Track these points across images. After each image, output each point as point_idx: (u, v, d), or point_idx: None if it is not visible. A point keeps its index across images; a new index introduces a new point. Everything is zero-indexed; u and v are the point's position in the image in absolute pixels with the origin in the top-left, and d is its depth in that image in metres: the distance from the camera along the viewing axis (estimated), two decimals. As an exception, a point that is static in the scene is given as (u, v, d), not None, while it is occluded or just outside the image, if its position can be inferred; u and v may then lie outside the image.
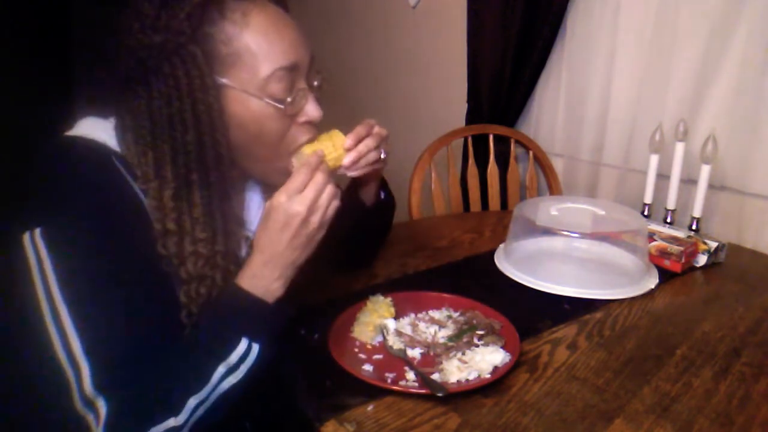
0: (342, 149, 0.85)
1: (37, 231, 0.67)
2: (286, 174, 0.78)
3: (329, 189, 0.76)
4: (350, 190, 1.03)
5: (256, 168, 0.82)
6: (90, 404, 0.64)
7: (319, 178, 0.75)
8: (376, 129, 0.90)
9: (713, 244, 1.24)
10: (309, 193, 0.74)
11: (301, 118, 0.79)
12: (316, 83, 0.82)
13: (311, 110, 0.80)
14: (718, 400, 0.78)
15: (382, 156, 0.91)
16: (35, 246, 0.67)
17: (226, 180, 0.77)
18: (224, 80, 0.74)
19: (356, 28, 2.55)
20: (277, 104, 0.75)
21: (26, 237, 0.67)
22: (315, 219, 0.75)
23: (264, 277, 0.74)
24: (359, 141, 0.87)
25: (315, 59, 0.81)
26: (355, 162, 0.87)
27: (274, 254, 0.74)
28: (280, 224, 0.73)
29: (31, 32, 3.17)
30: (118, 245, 0.69)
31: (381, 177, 1.03)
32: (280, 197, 0.74)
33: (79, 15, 3.33)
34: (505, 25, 1.76)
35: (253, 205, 0.89)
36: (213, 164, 0.74)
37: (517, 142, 1.83)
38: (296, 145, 0.81)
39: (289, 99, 0.76)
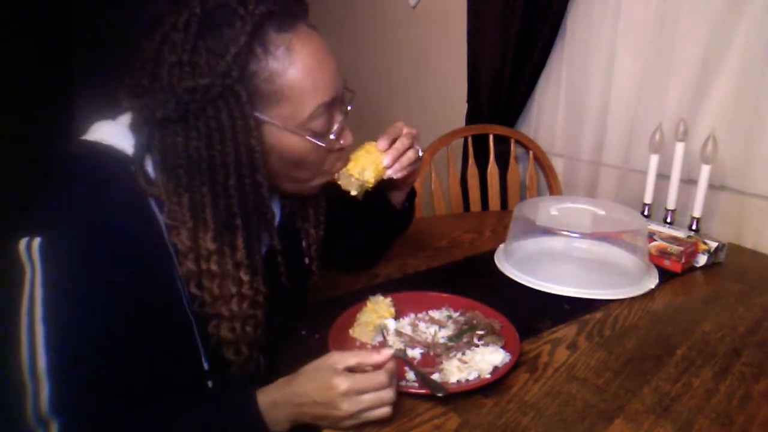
0: (380, 156, 0.88)
1: (37, 240, 0.64)
2: (320, 187, 0.82)
3: (385, 393, 0.69)
4: (379, 191, 1.02)
5: (289, 187, 0.81)
6: (43, 424, 0.63)
7: (382, 378, 0.69)
8: (405, 129, 0.92)
9: (713, 244, 1.24)
10: (361, 382, 0.68)
11: (336, 146, 0.79)
12: (349, 108, 0.81)
13: (346, 138, 0.81)
14: (718, 400, 0.78)
15: (420, 154, 0.94)
16: (31, 255, 0.64)
17: (266, 219, 0.76)
18: (266, 117, 0.71)
19: (356, 28, 2.54)
20: (318, 142, 0.75)
21: (23, 243, 0.64)
22: (349, 408, 0.68)
23: (281, 410, 0.70)
24: (392, 142, 0.90)
25: (345, 80, 0.80)
26: (395, 160, 0.89)
27: (301, 403, 0.69)
28: (320, 385, 0.68)
29: (32, 33, 3.17)
30: (117, 276, 0.66)
31: (413, 185, 1.05)
32: (338, 364, 0.69)
33: (80, 15, 3.33)
34: (505, 25, 1.76)
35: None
36: (254, 207, 0.73)
37: (517, 142, 1.83)
38: (333, 169, 0.82)
39: (332, 136, 0.77)
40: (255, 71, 0.69)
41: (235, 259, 0.72)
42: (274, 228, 0.81)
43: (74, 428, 0.64)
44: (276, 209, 0.86)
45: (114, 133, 0.72)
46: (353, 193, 0.87)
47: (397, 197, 1.04)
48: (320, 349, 0.84)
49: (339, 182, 0.85)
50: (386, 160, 0.88)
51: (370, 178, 0.86)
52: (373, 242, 1.12)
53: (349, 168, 0.85)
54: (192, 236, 0.70)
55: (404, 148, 0.90)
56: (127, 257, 0.67)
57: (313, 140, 0.74)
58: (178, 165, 0.69)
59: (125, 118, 0.74)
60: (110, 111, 0.77)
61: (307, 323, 0.92)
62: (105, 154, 0.70)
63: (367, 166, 0.87)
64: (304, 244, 0.92)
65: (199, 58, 0.66)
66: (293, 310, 0.92)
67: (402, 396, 0.76)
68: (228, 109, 0.67)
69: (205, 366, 0.76)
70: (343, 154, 0.82)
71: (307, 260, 0.93)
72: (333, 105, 0.76)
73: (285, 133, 0.73)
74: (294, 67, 0.70)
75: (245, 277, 0.73)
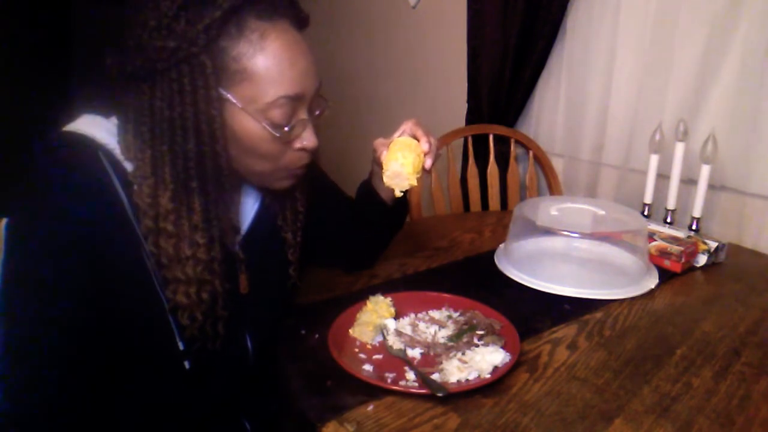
0: (421, 154, 0.90)
1: (4, 221, 0.70)
2: (286, 184, 0.82)
3: None
4: (368, 187, 1.04)
5: (253, 179, 0.83)
6: None
7: None
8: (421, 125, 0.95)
9: (713, 244, 1.24)
10: None
11: (297, 145, 0.80)
12: (317, 112, 0.82)
13: (308, 139, 0.80)
14: (718, 400, 0.78)
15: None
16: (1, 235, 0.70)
17: (224, 190, 0.77)
18: (228, 95, 0.73)
19: (356, 28, 2.54)
20: (273, 131, 0.75)
21: (2, 224, 0.71)
22: None
23: None
24: (428, 141, 0.93)
25: (322, 85, 0.81)
26: (434, 162, 0.93)
27: None
28: None
29: (32, 33, 3.17)
30: (75, 260, 0.70)
31: None
32: None
33: (80, 15, 3.33)
34: (505, 25, 1.76)
35: (248, 206, 0.89)
36: (212, 174, 0.75)
37: (517, 142, 1.83)
38: (293, 167, 0.81)
39: (286, 128, 0.76)
40: (224, 47, 0.71)
41: (192, 221, 0.74)
42: (236, 207, 0.85)
43: (20, 409, 0.69)
44: (253, 201, 0.89)
45: (92, 124, 0.75)
46: (399, 193, 0.91)
47: (388, 191, 1.03)
48: (320, 348, 0.84)
49: (388, 183, 0.89)
50: (428, 162, 0.91)
51: (414, 180, 0.89)
52: (370, 241, 1.12)
53: (392, 165, 0.87)
54: (152, 193, 0.73)
55: (436, 146, 0.95)
56: (85, 241, 0.70)
57: (268, 128, 0.75)
58: (143, 122, 0.73)
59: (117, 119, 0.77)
60: (110, 111, 0.78)
61: (306, 323, 0.92)
62: (78, 142, 0.72)
63: (417, 167, 0.89)
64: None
65: (176, 25, 0.69)
66: (278, 303, 0.93)
67: (402, 396, 0.76)
68: (191, 76, 0.71)
69: (180, 346, 0.77)
70: (302, 156, 0.81)
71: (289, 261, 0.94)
72: (298, 102, 0.77)
73: (243, 114, 0.74)
74: (263, 53, 0.73)
75: (201, 240, 0.75)
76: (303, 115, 0.78)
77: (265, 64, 0.73)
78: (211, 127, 0.72)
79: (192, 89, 0.71)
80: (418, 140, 0.93)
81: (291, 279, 0.93)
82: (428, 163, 0.91)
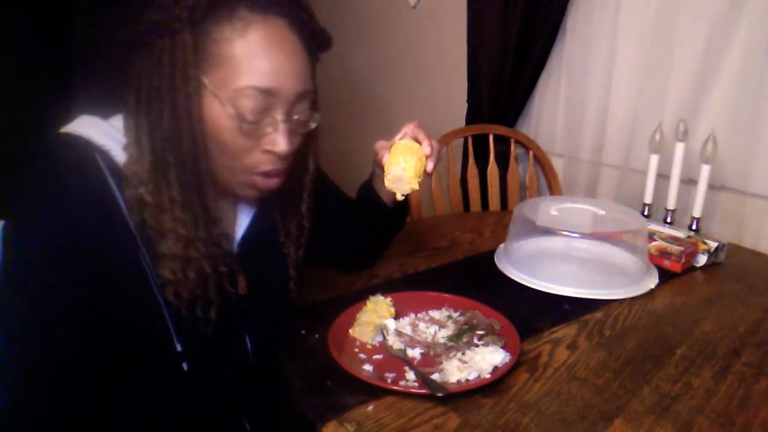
0: (422, 157, 0.90)
1: (2, 222, 0.71)
2: (249, 193, 0.80)
3: None
4: (369, 188, 1.04)
5: (223, 177, 0.80)
6: None
7: None
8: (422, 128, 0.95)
9: (713, 244, 1.24)
10: None
11: (265, 146, 0.77)
12: (297, 117, 0.78)
13: (276, 142, 0.76)
14: (718, 400, 0.78)
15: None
16: None
17: (201, 171, 0.76)
18: (203, 78, 0.73)
19: (356, 29, 2.54)
20: (235, 119, 0.74)
21: None
22: None
23: None
24: (430, 144, 0.93)
25: (311, 95, 0.79)
26: (435, 165, 0.93)
27: None
28: None
29: (32, 33, 3.17)
30: (70, 263, 0.70)
31: None
32: None
33: (80, 15, 3.33)
34: (505, 25, 1.76)
35: (245, 208, 0.89)
36: (188, 150, 0.74)
37: (517, 142, 1.83)
38: (258, 168, 0.78)
39: (250, 118, 0.74)
40: (208, 30, 0.72)
41: (170, 193, 0.74)
42: (230, 205, 0.86)
43: (20, 408, 0.69)
44: (246, 219, 0.88)
45: (88, 125, 0.76)
46: (400, 197, 0.91)
47: (388, 193, 1.03)
48: (320, 348, 0.84)
49: (390, 187, 0.89)
50: (430, 165, 0.91)
51: (416, 184, 0.89)
52: (370, 241, 1.12)
53: (394, 169, 0.87)
54: (135, 160, 0.74)
55: (438, 148, 0.95)
56: (82, 242, 0.70)
57: (231, 114, 0.73)
58: (128, 92, 0.74)
59: (117, 120, 0.77)
60: (110, 111, 0.79)
61: (306, 323, 0.92)
62: (73, 143, 0.73)
63: (419, 171, 0.89)
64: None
65: (173, 2, 0.71)
66: (277, 305, 0.93)
67: (402, 396, 0.76)
68: (171, 51, 0.71)
69: (178, 348, 0.78)
70: (269, 159, 0.78)
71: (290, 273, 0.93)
72: (271, 99, 0.74)
73: (213, 99, 0.73)
74: (243, 40, 0.73)
75: (180, 215, 0.74)
76: (278, 116, 0.76)
77: (241, 51, 0.72)
78: (187, 104, 0.72)
79: (170, 64, 0.71)
80: (420, 143, 0.93)
81: (291, 281, 0.93)
82: (430, 166, 0.91)
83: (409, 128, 0.95)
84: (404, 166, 0.87)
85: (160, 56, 0.72)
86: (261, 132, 0.76)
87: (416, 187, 0.89)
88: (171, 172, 0.74)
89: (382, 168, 0.93)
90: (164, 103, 0.72)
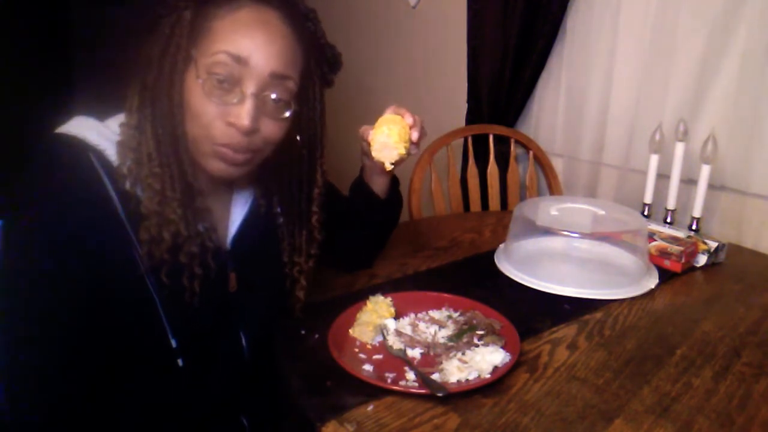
0: (406, 126, 0.92)
1: (0, 223, 0.71)
2: (214, 165, 0.79)
3: None
4: (360, 181, 1.05)
5: (194, 147, 0.79)
6: None
7: None
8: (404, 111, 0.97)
9: (713, 244, 1.24)
10: None
11: (228, 118, 0.76)
12: (268, 92, 0.78)
13: (240, 115, 0.76)
14: (718, 400, 0.78)
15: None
16: None
17: (177, 135, 0.77)
18: (192, 50, 0.76)
19: (356, 28, 2.54)
20: (206, 83, 0.75)
21: None
22: None
23: None
24: (412, 116, 0.95)
25: (294, 85, 0.80)
26: (420, 137, 0.94)
27: None
28: None
29: (32, 33, 3.17)
30: (66, 261, 0.71)
31: (393, 173, 1.05)
32: None
33: (80, 15, 3.33)
34: (505, 25, 1.76)
35: (238, 205, 0.90)
36: (166, 112, 0.76)
37: (517, 142, 1.83)
38: (220, 139, 0.77)
39: (218, 79, 0.75)
40: (206, 13, 0.76)
41: (148, 149, 0.76)
42: (223, 202, 0.88)
43: (19, 407, 0.70)
44: (245, 202, 0.90)
45: (85, 126, 0.77)
46: (389, 166, 0.92)
47: (380, 185, 1.05)
48: (320, 348, 0.84)
49: (377, 157, 0.91)
50: (415, 134, 0.93)
51: (402, 149, 0.91)
52: (367, 238, 1.12)
53: (378, 135, 0.90)
54: (125, 119, 0.78)
55: (420, 121, 0.96)
56: (78, 241, 0.71)
57: (204, 80, 0.75)
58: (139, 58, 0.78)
59: (112, 122, 0.79)
60: (110, 111, 0.80)
61: (306, 323, 0.92)
62: (68, 144, 0.74)
63: (404, 137, 0.91)
64: (285, 258, 0.93)
65: None
66: (271, 303, 0.93)
67: (402, 396, 0.76)
68: (170, 26, 0.76)
69: (173, 344, 0.78)
70: (232, 134, 0.77)
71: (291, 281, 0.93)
72: (242, 68, 0.75)
73: (193, 67, 0.76)
74: (230, 16, 0.76)
75: (156, 170, 0.75)
76: (248, 89, 0.76)
77: (224, 23, 0.76)
78: (172, 71, 0.75)
79: (168, 35, 0.76)
80: (402, 117, 0.95)
81: (298, 303, 0.93)
82: (415, 135, 0.93)
83: (390, 108, 0.96)
84: (388, 132, 0.90)
85: (162, 29, 0.76)
86: (227, 100, 0.76)
87: (403, 152, 0.91)
88: (147, 124, 0.76)
89: (370, 149, 0.93)
90: (153, 68, 0.76)
